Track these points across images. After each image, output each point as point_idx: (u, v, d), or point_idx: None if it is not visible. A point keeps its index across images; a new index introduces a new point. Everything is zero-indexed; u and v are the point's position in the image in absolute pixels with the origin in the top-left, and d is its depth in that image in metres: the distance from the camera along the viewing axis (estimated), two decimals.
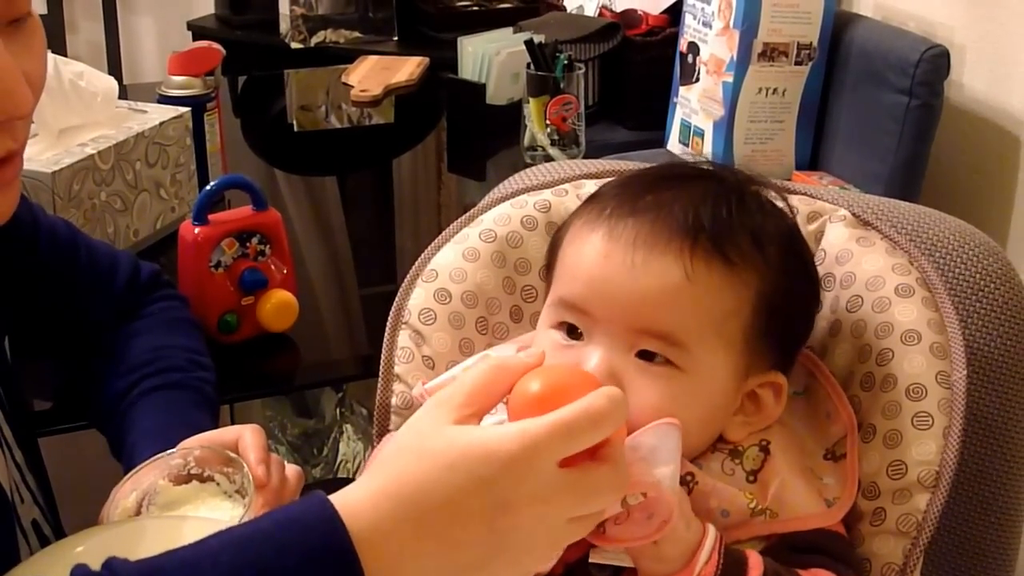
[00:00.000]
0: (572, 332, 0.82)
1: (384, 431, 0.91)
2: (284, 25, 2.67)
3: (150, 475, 0.90)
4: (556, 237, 0.89)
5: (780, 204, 0.88)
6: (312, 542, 0.61)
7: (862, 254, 0.92)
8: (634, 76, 2.09)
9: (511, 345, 0.91)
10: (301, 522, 0.62)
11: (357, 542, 0.61)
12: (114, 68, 2.89)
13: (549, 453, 0.62)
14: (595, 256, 0.81)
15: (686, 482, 0.79)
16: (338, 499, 0.63)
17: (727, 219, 0.81)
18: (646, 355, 0.79)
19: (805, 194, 0.99)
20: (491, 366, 0.69)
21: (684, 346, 0.79)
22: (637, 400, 0.75)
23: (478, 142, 2.09)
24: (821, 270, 0.91)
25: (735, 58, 1.79)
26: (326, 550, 0.61)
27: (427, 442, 0.64)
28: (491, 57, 2.05)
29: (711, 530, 0.77)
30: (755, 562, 0.77)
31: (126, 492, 0.89)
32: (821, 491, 0.83)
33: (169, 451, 0.92)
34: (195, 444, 0.93)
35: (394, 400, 0.92)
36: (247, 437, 0.93)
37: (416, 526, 0.62)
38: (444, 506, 0.62)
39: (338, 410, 2.18)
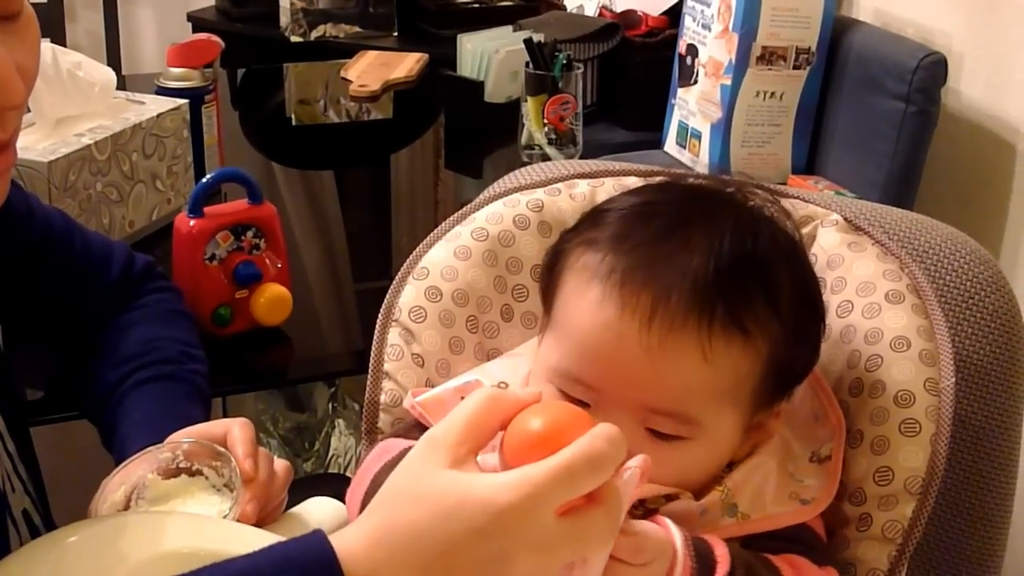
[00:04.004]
0: (577, 402, 0.78)
1: (372, 428, 0.91)
2: (284, 18, 2.66)
3: (139, 469, 0.90)
4: (552, 270, 0.85)
5: (781, 216, 0.86)
6: None
7: (853, 259, 0.93)
8: (633, 77, 2.09)
9: (510, 359, 0.91)
10: (298, 562, 0.61)
11: None
12: (113, 59, 2.88)
13: (548, 501, 0.61)
14: (606, 334, 0.77)
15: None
16: (334, 541, 0.62)
17: (744, 275, 0.78)
18: (657, 431, 0.78)
19: (797, 198, 0.99)
20: (485, 399, 0.66)
21: (696, 422, 0.78)
22: (651, 472, 0.72)
23: (476, 140, 2.09)
24: None
25: (733, 61, 1.79)
26: None
27: (422, 487, 0.63)
28: (490, 55, 2.05)
29: (678, 543, 0.75)
30: (722, 555, 0.76)
31: (115, 486, 0.89)
32: (798, 492, 0.83)
33: (158, 445, 0.92)
34: (184, 438, 0.94)
35: (383, 397, 0.92)
36: (235, 431, 0.93)
37: (412, 574, 0.61)
38: (441, 555, 0.61)
39: (330, 405, 2.18)
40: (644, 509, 0.78)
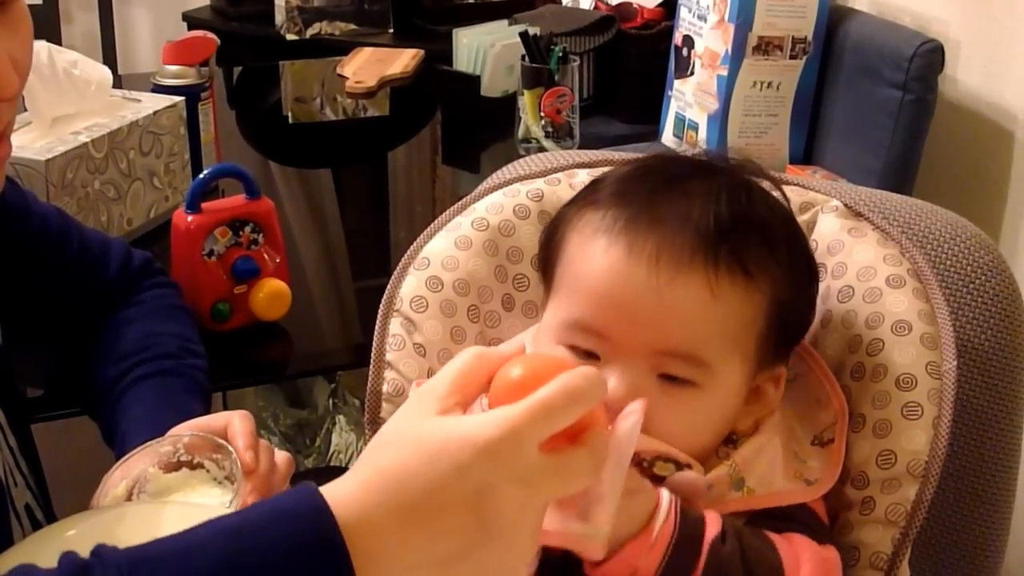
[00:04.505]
0: (587, 353, 0.80)
1: (375, 418, 0.91)
2: (279, 17, 2.66)
3: (140, 463, 0.90)
4: (552, 240, 0.87)
5: (770, 187, 0.88)
6: (301, 532, 0.61)
7: (853, 244, 0.93)
8: (629, 69, 2.09)
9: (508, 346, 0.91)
10: (290, 512, 0.62)
11: (345, 533, 0.61)
12: (109, 59, 2.88)
13: (529, 436, 0.62)
14: (615, 276, 0.79)
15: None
16: (326, 491, 0.63)
17: (743, 223, 0.80)
18: (668, 376, 0.79)
19: (798, 184, 0.99)
20: (472, 356, 0.68)
21: (707, 365, 0.79)
22: (659, 421, 0.75)
23: (473, 134, 2.09)
24: None
25: (730, 52, 1.78)
26: (315, 541, 0.61)
27: (409, 433, 0.64)
28: (486, 49, 2.04)
29: (664, 494, 0.76)
30: (712, 518, 0.77)
31: (116, 480, 0.89)
32: (802, 472, 0.84)
33: (159, 438, 0.92)
34: (185, 431, 0.93)
35: (385, 387, 0.92)
36: (236, 423, 0.93)
37: (402, 517, 0.62)
38: (428, 496, 0.61)
39: (331, 400, 2.18)
40: (652, 475, 0.79)
